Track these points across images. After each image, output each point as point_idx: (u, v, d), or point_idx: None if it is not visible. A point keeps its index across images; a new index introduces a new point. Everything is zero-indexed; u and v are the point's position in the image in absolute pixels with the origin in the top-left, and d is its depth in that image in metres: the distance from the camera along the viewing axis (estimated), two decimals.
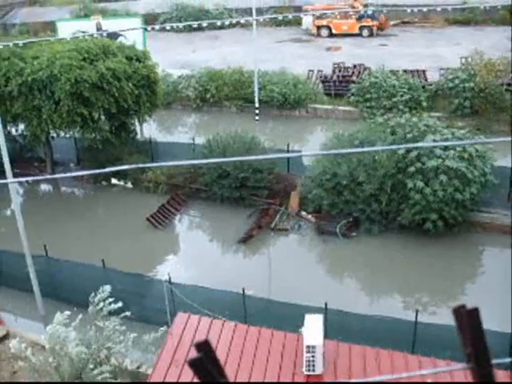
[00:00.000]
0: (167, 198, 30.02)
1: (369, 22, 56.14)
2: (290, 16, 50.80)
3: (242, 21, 44.41)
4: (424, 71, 41.23)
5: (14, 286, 24.58)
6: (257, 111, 39.63)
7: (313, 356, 12.87)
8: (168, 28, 61.98)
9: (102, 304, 16.82)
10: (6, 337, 20.52)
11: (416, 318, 17.91)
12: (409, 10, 42.21)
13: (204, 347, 2.68)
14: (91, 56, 29.57)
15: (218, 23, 46.67)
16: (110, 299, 16.93)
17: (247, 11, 58.47)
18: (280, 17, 45.84)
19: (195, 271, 24.64)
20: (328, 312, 17.64)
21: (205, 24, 41.19)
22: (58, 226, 28.85)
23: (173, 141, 34.88)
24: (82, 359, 15.76)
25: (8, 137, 28.83)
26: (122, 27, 39.23)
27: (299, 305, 18.49)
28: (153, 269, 25.45)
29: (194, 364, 2.64)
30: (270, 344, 14.15)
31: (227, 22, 46.63)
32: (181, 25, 27.69)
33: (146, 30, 39.09)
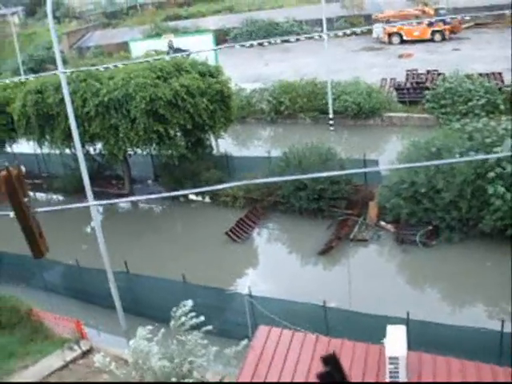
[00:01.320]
0: (245, 211, 30.14)
1: (441, 27, 55.37)
2: (359, 30, 50.16)
3: (316, 36, 44.16)
4: (500, 73, 40.27)
5: (97, 302, 25.12)
6: (331, 122, 39.48)
7: (396, 368, 12.68)
8: (238, 42, 62.59)
9: (183, 318, 16.94)
10: (90, 351, 20.92)
11: (502, 328, 17.42)
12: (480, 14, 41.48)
13: (331, 361, 2.67)
14: (165, 74, 29.98)
15: (292, 39, 46.75)
16: (192, 314, 17.04)
17: (317, 22, 58.59)
18: (358, 30, 45.38)
19: (275, 284, 24.61)
20: (410, 322, 17.35)
21: (278, 41, 41.12)
22: (137, 241, 29.27)
23: (249, 155, 35.03)
24: (164, 373, 15.87)
25: (87, 156, 29.51)
26: (194, 44, 39.79)
27: (380, 315, 18.23)
28: (233, 282, 25.52)
29: (322, 377, 2.63)
30: (352, 356, 13.99)
31: (302, 38, 46.70)
32: (255, 42, 27.71)
33: (220, 47, 39.35)
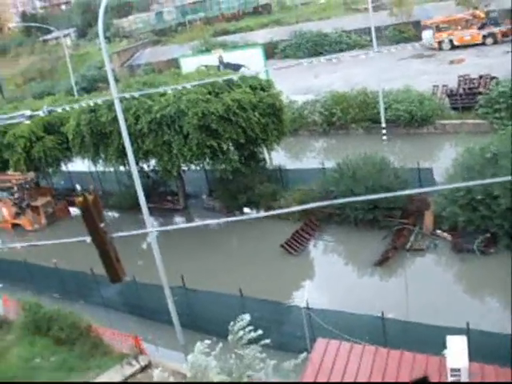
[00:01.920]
0: (300, 223, 30.07)
1: (492, 30, 54.58)
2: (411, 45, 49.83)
3: (366, 47, 43.98)
4: None
5: (154, 317, 25.32)
6: (384, 131, 39.27)
7: (458, 379, 12.50)
8: (288, 55, 62.76)
9: (241, 332, 16.97)
10: (149, 366, 21.08)
11: None
12: None
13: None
14: (216, 89, 30.13)
15: (346, 55, 46.71)
16: (249, 327, 17.06)
17: (365, 31, 58.37)
18: (409, 47, 44.97)
19: (332, 295, 24.52)
20: (470, 333, 17.06)
21: (325, 58, 41.13)
22: (192, 256, 29.43)
23: (302, 167, 35.00)
24: None
25: (141, 173, 29.81)
26: (243, 58, 39.99)
27: (440, 326, 17.97)
28: (289, 295, 25.47)
29: None
30: (412, 368, 13.85)
31: (354, 53, 46.66)
32: (315, 60, 27.68)
33: (283, 67, 39.46)
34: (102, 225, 3.42)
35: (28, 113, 3.96)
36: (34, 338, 24.44)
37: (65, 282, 29.26)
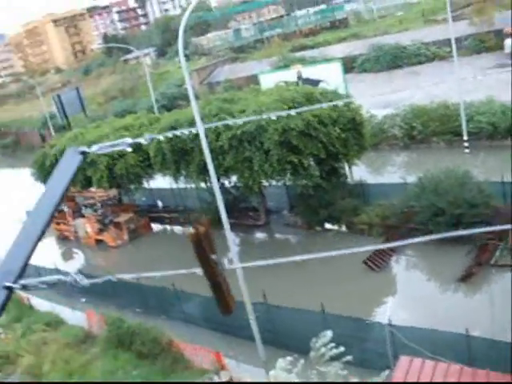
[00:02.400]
0: (382, 239, 29.78)
1: None
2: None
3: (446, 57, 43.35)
4: None
5: (236, 333, 25.38)
6: (466, 144, 38.55)
7: None
8: (367, 68, 62.44)
9: (323, 349, 16.85)
10: (230, 382, 21.12)
11: None
12: None
13: None
14: (296, 104, 30.14)
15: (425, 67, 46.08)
16: (331, 344, 16.93)
17: (445, 42, 57.53)
18: (491, 57, 44.11)
19: (414, 312, 24.15)
20: None
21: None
22: (273, 272, 29.32)
23: (383, 181, 34.70)
24: None
25: (222, 189, 30.03)
26: (322, 73, 39.94)
27: None
28: (371, 312, 25.22)
29: None
30: None
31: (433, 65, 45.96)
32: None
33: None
34: (214, 256, 3.42)
35: (129, 140, 4.01)
36: (116, 352, 24.92)
37: (147, 297, 29.68)
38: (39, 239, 3.75)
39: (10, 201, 58.34)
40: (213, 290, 3.57)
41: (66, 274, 3.77)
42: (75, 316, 30.78)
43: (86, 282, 3.51)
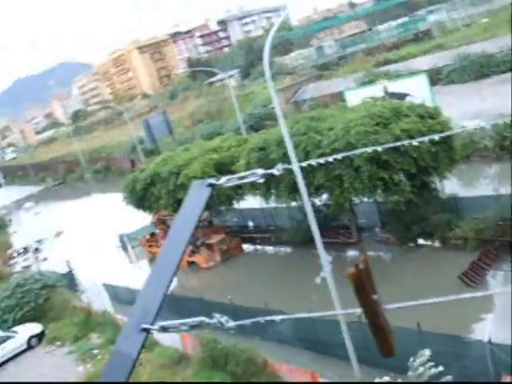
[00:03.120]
0: (477, 253, 29.11)
1: None
2: None
3: None
4: None
5: (330, 352, 25.17)
6: None
7: None
8: (453, 79, 61.43)
9: (421, 369, 16.57)
10: None
11: None
12: None
13: None
14: (384, 120, 29.92)
15: None
16: (430, 363, 16.63)
17: None
18: None
19: None
20: None
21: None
22: None
23: (476, 194, 33.99)
24: None
25: (312, 207, 29.95)
26: (408, 87, 39.53)
27: None
28: (469, 329, 24.63)
29: None
30: None
31: None
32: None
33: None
34: (375, 296, 3.36)
35: (260, 172, 4.02)
36: (211, 373, 25.00)
37: (240, 317, 29.69)
38: (173, 275, 3.75)
39: (103, 225, 59.83)
40: (373, 331, 3.50)
41: (210, 316, 3.69)
42: (170, 337, 31.12)
43: (231, 324, 3.45)
